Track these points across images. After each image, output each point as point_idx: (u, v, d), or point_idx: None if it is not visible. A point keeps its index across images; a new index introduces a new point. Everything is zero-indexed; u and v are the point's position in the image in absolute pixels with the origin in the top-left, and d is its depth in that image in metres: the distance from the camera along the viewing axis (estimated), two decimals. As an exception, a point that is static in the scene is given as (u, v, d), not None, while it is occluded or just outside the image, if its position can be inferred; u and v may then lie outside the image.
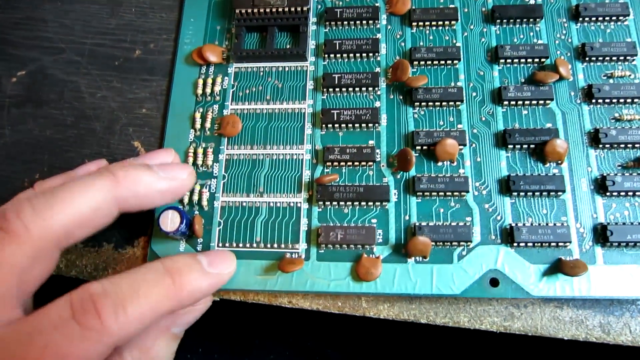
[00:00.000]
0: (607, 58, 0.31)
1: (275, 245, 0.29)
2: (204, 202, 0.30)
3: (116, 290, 0.22)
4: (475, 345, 0.42)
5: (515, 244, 0.28)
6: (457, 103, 0.31)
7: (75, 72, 0.35)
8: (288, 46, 0.33)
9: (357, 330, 0.44)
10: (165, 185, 0.26)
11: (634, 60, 0.31)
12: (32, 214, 0.22)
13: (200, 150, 0.31)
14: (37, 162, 0.33)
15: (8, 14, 0.38)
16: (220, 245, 0.29)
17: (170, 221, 0.28)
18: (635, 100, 0.30)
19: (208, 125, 0.32)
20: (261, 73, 0.33)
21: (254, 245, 0.29)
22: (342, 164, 0.30)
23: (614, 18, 0.32)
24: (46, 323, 0.21)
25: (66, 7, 0.37)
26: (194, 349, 0.43)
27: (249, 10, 0.33)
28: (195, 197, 0.30)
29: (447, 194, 0.29)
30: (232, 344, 0.44)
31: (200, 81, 0.33)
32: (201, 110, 0.32)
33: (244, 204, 0.30)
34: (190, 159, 0.31)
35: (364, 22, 0.33)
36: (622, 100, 0.30)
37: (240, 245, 0.29)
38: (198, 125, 0.32)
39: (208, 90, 0.32)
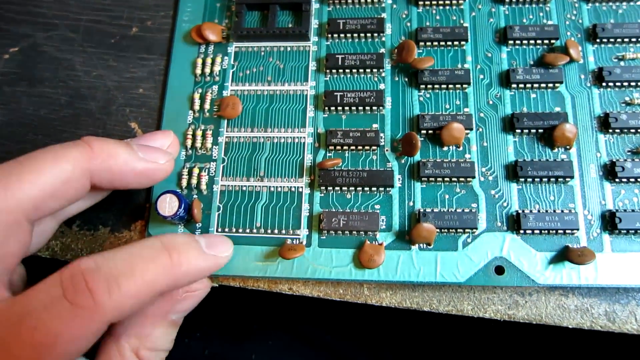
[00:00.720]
0: (619, 40, 0.30)
1: (276, 231, 0.28)
2: (203, 186, 0.29)
3: (110, 266, 0.21)
4: (479, 333, 0.41)
5: (521, 231, 0.27)
6: (464, 86, 0.30)
7: (69, 50, 0.34)
8: (290, 25, 0.32)
9: (356, 316, 0.43)
10: (141, 166, 0.26)
11: (646, 42, 0.30)
12: None
13: (199, 133, 0.30)
14: (30, 143, 0.32)
15: (0, -12, 0.36)
16: (220, 230, 0.29)
17: (168, 205, 0.27)
18: (647, 83, 0.29)
19: (207, 106, 0.31)
20: (262, 53, 0.32)
21: (254, 230, 0.29)
22: (345, 148, 0.29)
23: (626, -2, 0.31)
24: (36, 303, 0.20)
25: (60, -18, 0.36)
26: (192, 335, 0.43)
27: (250, -13, 0.31)
28: (194, 181, 0.29)
29: (453, 179, 0.28)
30: (230, 329, 0.43)
31: (200, 61, 0.32)
32: (200, 91, 0.31)
33: (244, 188, 0.29)
34: (189, 141, 0.30)
35: (369, 1, 0.32)
36: (633, 84, 0.29)
37: (240, 230, 0.29)
38: (197, 107, 0.31)
39: (207, 71, 0.32)
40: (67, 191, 0.23)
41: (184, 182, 0.29)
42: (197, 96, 0.31)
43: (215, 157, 0.30)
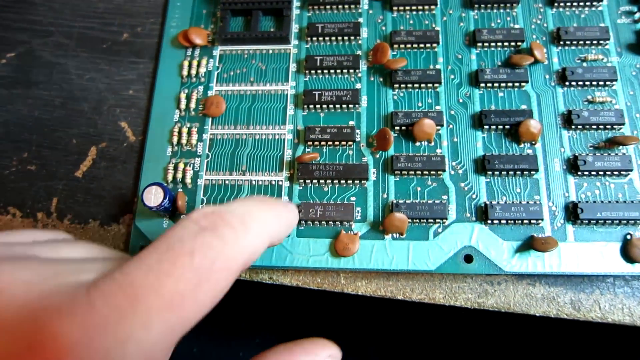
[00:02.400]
0: (581, 42, 0.32)
1: (257, 222, 0.30)
2: (188, 180, 0.31)
3: (234, 209, 0.21)
4: (451, 321, 0.43)
5: (489, 221, 0.29)
6: (436, 85, 0.31)
7: (63, 55, 0.36)
8: (272, 29, 0.34)
9: (340, 312, 0.44)
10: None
11: (606, 44, 0.32)
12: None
13: (184, 130, 0.32)
14: (25, 142, 0.34)
15: (-2, -3, 0.38)
16: (203, 221, 0.30)
17: (153, 196, 0.28)
18: (607, 83, 0.31)
19: (193, 105, 0.33)
20: (245, 55, 0.34)
21: (236, 221, 0.30)
22: (323, 143, 0.31)
23: (588, 3, 0.32)
24: (179, 234, 0.19)
25: (55, -9, 0.38)
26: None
27: (234, -6, 0.33)
28: (179, 175, 0.31)
29: (424, 172, 0.30)
30: (218, 327, 0.44)
31: (186, 63, 0.33)
32: (186, 91, 0.33)
33: (227, 182, 0.31)
34: (175, 138, 0.32)
35: (346, 6, 0.34)
36: (594, 83, 0.31)
37: (223, 221, 0.30)
38: (183, 106, 0.33)
39: (193, 72, 0.33)
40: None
41: (170, 177, 0.31)
42: (183, 96, 0.33)
43: (199, 153, 0.32)
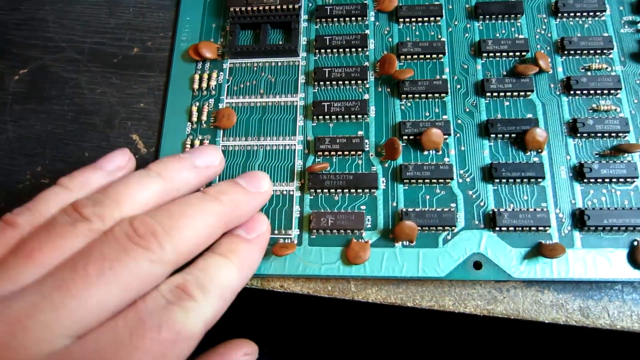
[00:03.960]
0: (585, 51, 0.32)
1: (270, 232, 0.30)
2: (200, 191, 0.31)
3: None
4: (460, 328, 0.43)
5: (497, 229, 0.29)
6: (442, 95, 0.32)
7: (75, 70, 0.37)
8: (280, 42, 0.35)
9: (350, 324, 0.45)
10: (258, 202, 0.29)
11: (610, 53, 0.32)
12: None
13: (197, 143, 0.33)
14: (39, 156, 0.34)
15: (11, 15, 0.39)
16: (216, 232, 0.31)
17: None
18: (612, 91, 0.31)
19: (204, 118, 0.33)
20: (255, 68, 0.34)
21: (248, 231, 0.30)
22: (333, 153, 0.31)
23: (591, 13, 0.33)
24: (100, 247, 0.22)
25: (66, 8, 0.39)
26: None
27: (243, 9, 0.34)
28: (192, 187, 0.31)
29: (433, 181, 0.30)
30: (229, 337, 0.45)
31: (197, 76, 0.34)
32: (197, 104, 0.34)
33: (239, 192, 0.31)
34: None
35: (353, 18, 0.34)
36: (599, 92, 0.31)
37: (235, 231, 0.30)
38: (195, 119, 0.33)
39: (204, 85, 0.34)
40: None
41: (183, 188, 0.31)
42: (194, 109, 0.33)
43: (211, 164, 0.32)
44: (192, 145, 0.32)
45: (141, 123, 0.35)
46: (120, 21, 0.38)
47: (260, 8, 0.34)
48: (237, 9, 0.34)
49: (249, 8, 0.34)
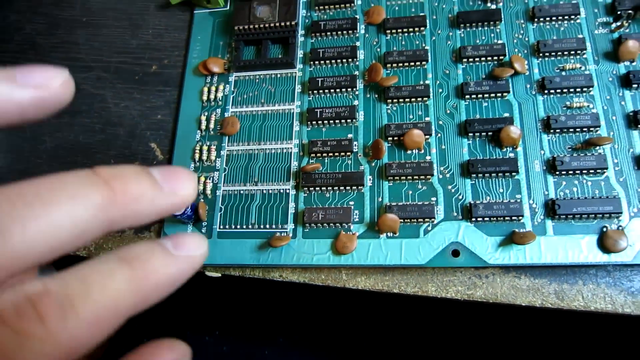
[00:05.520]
0: (559, 53, 0.34)
1: (268, 226, 0.34)
2: (208, 191, 0.35)
3: (62, 287, 0.16)
4: (443, 312, 0.45)
5: (473, 219, 0.32)
6: (425, 99, 0.35)
7: (102, 86, 0.41)
8: (279, 56, 0.38)
9: (353, 310, 0.48)
10: (168, 202, 0.20)
11: (584, 54, 0.34)
12: None
13: (205, 148, 0.36)
14: (72, 163, 0.39)
15: (47, 39, 0.44)
16: (221, 227, 0.34)
17: (176, 206, 0.33)
18: (585, 89, 0.33)
19: (212, 126, 0.37)
20: (257, 80, 0.38)
21: (250, 226, 0.34)
22: (325, 154, 0.35)
23: (566, 17, 0.35)
24: None
25: (95, 32, 0.43)
26: (212, 333, 0.48)
27: (246, 27, 0.38)
28: (201, 187, 0.35)
29: (415, 177, 0.33)
30: (244, 328, 0.49)
31: (206, 89, 0.38)
32: (206, 114, 0.38)
33: (242, 192, 0.35)
34: (197, 155, 0.36)
35: (345, 32, 0.38)
36: (572, 90, 0.33)
37: (238, 226, 0.34)
38: (203, 127, 0.37)
39: (212, 97, 0.38)
40: (75, 242, 0.17)
41: (192, 189, 0.35)
42: (203, 118, 0.37)
43: (218, 167, 0.36)
44: (200, 151, 0.36)
45: (159, 132, 0.39)
46: (141, 42, 0.42)
47: (262, 26, 0.38)
48: (242, 27, 0.38)
49: (252, 26, 0.38)
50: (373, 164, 0.34)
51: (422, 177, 0.33)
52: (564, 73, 0.34)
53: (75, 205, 0.16)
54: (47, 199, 0.16)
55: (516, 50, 0.35)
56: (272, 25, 0.38)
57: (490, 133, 0.33)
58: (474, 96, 0.34)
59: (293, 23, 0.37)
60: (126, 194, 0.17)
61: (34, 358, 0.15)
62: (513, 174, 0.32)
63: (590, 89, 0.33)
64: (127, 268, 0.17)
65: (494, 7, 0.36)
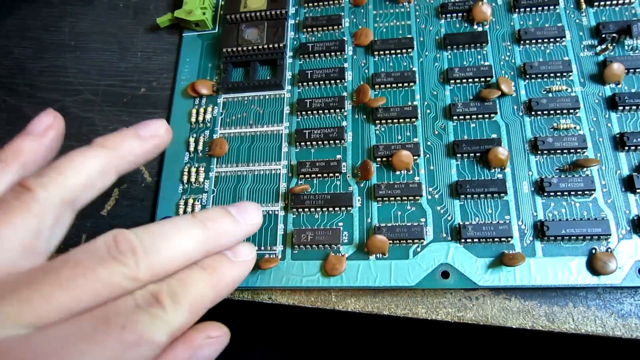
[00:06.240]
0: (546, 75, 0.35)
1: (257, 248, 0.33)
2: (196, 214, 0.35)
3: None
4: (433, 335, 0.45)
5: (462, 240, 0.31)
6: (413, 119, 0.35)
7: (90, 110, 0.41)
8: (268, 77, 0.38)
9: (347, 334, 0.47)
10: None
11: (570, 75, 0.35)
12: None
13: (193, 170, 0.36)
14: (58, 186, 0.39)
15: (36, 63, 0.44)
16: (209, 249, 0.34)
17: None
18: (571, 110, 0.33)
19: (200, 148, 0.37)
20: (245, 101, 0.38)
21: (238, 248, 0.34)
22: (313, 175, 0.34)
23: (552, 40, 0.36)
24: (81, 255, 0.23)
25: (83, 55, 0.43)
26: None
27: (235, 49, 0.38)
28: (189, 210, 0.35)
29: (404, 198, 0.33)
30: (235, 347, 0.48)
31: (194, 111, 0.38)
32: (194, 135, 0.37)
33: (230, 214, 0.35)
34: (185, 177, 0.36)
35: (333, 53, 0.38)
36: (559, 112, 0.34)
37: (226, 249, 0.34)
38: (192, 148, 0.37)
39: (200, 119, 0.38)
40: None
41: (181, 211, 0.35)
42: (192, 140, 0.37)
43: (206, 189, 0.36)
44: (189, 173, 0.36)
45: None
46: (129, 65, 0.42)
47: (250, 48, 0.38)
48: (230, 49, 0.38)
49: (240, 48, 0.38)
50: (362, 185, 0.34)
51: (410, 197, 0.33)
52: (550, 95, 0.34)
53: (187, 241, 0.25)
54: (171, 237, 0.25)
55: (503, 72, 0.36)
56: (260, 47, 0.38)
57: (478, 154, 0.33)
58: (461, 117, 0.34)
59: (281, 45, 0.38)
60: (216, 231, 0.26)
61: (161, 331, 0.22)
62: (502, 195, 0.32)
63: (577, 110, 0.34)
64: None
65: (480, 29, 0.37)
